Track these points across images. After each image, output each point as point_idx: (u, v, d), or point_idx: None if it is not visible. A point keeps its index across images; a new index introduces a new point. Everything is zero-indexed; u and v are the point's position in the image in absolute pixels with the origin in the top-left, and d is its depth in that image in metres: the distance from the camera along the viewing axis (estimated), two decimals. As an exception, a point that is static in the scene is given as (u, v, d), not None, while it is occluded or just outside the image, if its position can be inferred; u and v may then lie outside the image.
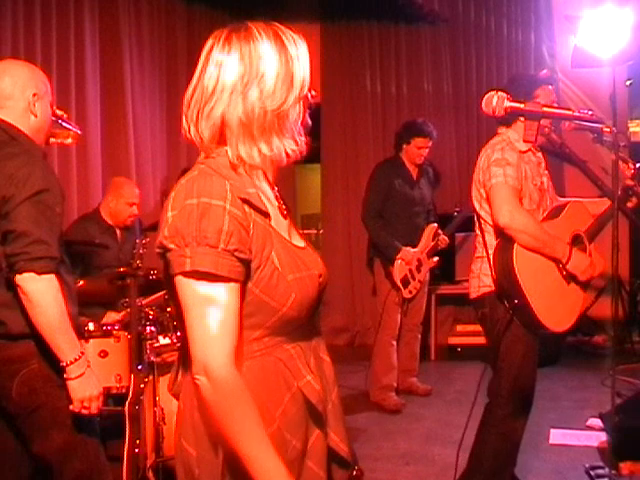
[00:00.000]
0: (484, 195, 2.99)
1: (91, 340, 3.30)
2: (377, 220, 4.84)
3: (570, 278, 2.99)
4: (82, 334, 3.32)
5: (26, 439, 2.30)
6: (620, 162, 2.92)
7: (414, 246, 4.84)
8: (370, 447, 4.19)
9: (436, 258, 4.97)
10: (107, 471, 2.39)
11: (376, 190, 4.90)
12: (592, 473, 3.54)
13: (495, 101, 2.53)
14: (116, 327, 3.37)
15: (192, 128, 1.38)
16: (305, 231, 4.83)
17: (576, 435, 4.17)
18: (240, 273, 1.29)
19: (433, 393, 5.16)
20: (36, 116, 2.29)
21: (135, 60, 5.32)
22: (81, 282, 3.53)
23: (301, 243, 1.48)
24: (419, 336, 5.12)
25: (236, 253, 1.28)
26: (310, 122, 1.44)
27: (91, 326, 3.34)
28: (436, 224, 4.98)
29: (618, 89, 5.83)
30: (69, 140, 2.59)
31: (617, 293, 5.45)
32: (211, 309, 1.27)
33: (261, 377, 1.36)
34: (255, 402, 1.31)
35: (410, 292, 4.82)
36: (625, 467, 3.36)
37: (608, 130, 2.68)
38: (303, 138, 1.42)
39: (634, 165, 3.06)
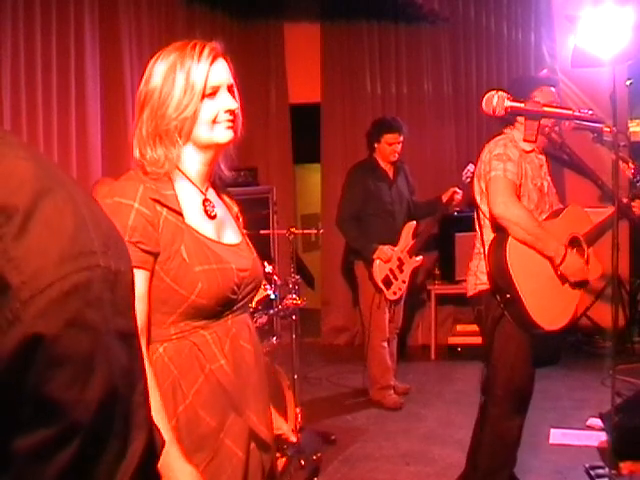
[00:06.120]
0: (484, 188, 2.99)
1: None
2: (351, 222, 4.80)
3: (565, 277, 2.99)
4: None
5: None
6: (620, 162, 2.92)
7: (396, 246, 4.82)
8: (370, 447, 4.19)
9: (419, 257, 4.93)
10: None
11: (350, 194, 4.86)
12: (592, 473, 3.54)
13: (495, 101, 2.53)
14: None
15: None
16: (305, 231, 4.81)
17: (576, 435, 4.17)
18: (143, 262, 1.50)
19: (433, 393, 5.17)
20: None
21: (135, 60, 5.32)
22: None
23: (234, 240, 1.67)
24: (396, 337, 5.11)
25: (139, 244, 1.49)
26: (236, 118, 1.63)
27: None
28: (415, 222, 4.92)
29: (618, 89, 5.81)
30: None
31: (617, 293, 5.45)
32: None
33: (176, 358, 1.53)
34: (169, 380, 1.51)
35: (394, 293, 4.80)
36: (625, 467, 3.36)
37: (608, 130, 2.68)
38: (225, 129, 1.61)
39: (634, 164, 3.06)
